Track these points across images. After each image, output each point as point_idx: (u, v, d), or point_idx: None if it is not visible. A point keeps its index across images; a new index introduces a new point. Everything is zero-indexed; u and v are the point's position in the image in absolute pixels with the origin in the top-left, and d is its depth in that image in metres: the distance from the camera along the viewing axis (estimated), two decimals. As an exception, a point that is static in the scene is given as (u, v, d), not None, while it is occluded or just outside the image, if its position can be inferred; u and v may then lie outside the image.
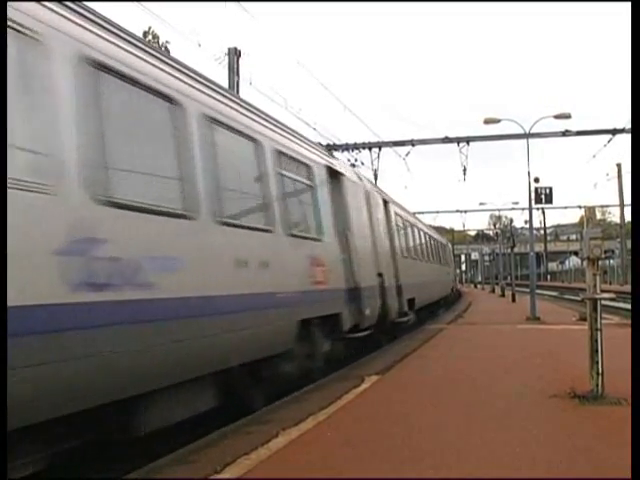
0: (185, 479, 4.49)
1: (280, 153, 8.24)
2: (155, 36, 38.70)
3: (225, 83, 17.67)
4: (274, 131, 8.40)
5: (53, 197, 4.12)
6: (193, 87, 6.32)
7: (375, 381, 8.40)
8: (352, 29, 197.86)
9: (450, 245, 37.53)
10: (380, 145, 28.06)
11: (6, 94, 3.83)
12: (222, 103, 6.94)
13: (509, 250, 40.61)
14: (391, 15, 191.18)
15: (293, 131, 9.48)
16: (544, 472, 4.38)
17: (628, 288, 35.81)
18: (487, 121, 24.25)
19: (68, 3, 4.70)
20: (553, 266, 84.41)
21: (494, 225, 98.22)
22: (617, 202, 55.53)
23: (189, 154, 5.91)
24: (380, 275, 12.59)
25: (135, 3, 15.88)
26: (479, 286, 76.02)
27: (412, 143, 27.94)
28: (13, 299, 3.54)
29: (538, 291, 26.07)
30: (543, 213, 70.65)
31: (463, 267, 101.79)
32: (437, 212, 63.80)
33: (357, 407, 6.85)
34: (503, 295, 41.68)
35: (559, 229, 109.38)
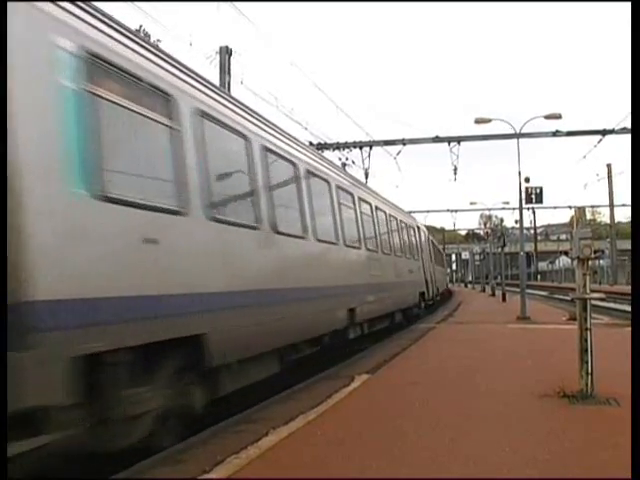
0: (176, 479, 4.45)
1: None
2: (146, 35, 38.59)
3: (216, 82, 17.62)
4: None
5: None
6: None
7: (365, 380, 8.40)
8: (345, 29, 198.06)
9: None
10: (371, 144, 28.02)
11: (6, 94, 3.80)
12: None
13: (499, 250, 40.71)
14: (384, 16, 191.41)
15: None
16: (534, 472, 4.39)
17: (617, 288, 36.07)
18: (478, 121, 24.29)
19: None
20: (543, 266, 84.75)
21: (484, 225, 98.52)
22: (607, 202, 55.84)
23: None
24: None
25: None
26: (469, 285, 76.24)
27: (403, 142, 27.92)
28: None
29: (528, 291, 26.15)
30: (533, 213, 70.73)
31: (454, 266, 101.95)
32: (428, 211, 63.76)
33: (347, 406, 6.84)
34: (493, 295, 41.77)
35: (549, 229, 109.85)
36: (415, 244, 22.00)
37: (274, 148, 8.56)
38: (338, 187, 11.68)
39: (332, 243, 10.59)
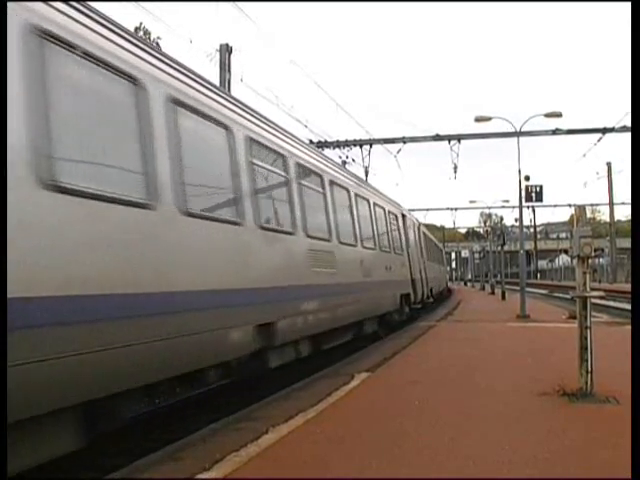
0: (169, 479, 4.45)
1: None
2: (146, 32, 38.54)
3: (216, 80, 17.62)
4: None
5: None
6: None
7: (365, 378, 8.39)
8: (346, 28, 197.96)
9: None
10: (371, 142, 28.05)
11: (6, 94, 3.78)
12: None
13: (499, 248, 40.70)
14: (385, 15, 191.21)
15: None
16: (534, 471, 4.38)
17: (617, 287, 36.07)
18: (478, 119, 24.28)
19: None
20: (543, 264, 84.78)
21: (484, 223, 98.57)
22: (607, 201, 55.87)
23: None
24: None
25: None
26: (469, 284, 76.25)
27: (403, 140, 27.96)
28: None
29: (528, 289, 26.18)
30: (533, 211, 70.88)
31: (453, 265, 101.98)
32: (427, 210, 63.94)
33: (347, 404, 6.83)
34: (493, 293, 41.79)
35: (549, 227, 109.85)
36: (398, 235, 17.91)
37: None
38: (253, 140, 7.92)
39: (230, 223, 6.88)
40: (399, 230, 18.24)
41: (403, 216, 19.64)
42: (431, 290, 24.31)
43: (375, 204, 15.14)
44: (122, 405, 5.24)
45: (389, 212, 16.98)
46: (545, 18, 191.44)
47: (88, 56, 4.85)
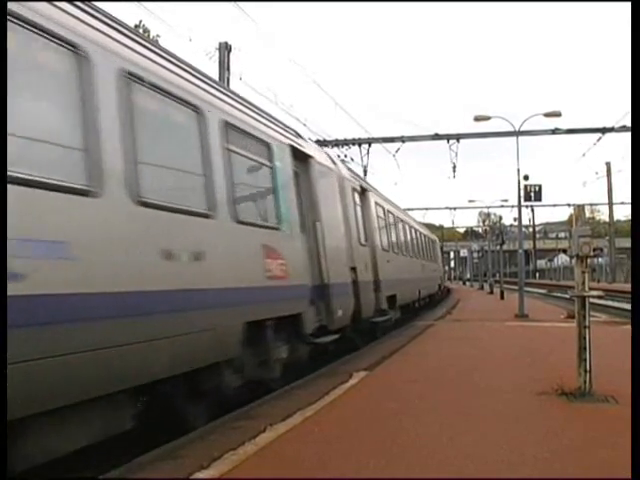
0: (165, 479, 4.43)
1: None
2: (146, 30, 38.52)
3: (215, 78, 17.60)
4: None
5: None
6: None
7: (363, 377, 8.38)
8: (345, 28, 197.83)
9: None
10: (370, 141, 28.01)
11: (6, 94, 3.76)
12: None
13: (498, 247, 40.71)
14: (384, 14, 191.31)
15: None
16: (533, 470, 4.36)
17: (616, 286, 36.10)
18: (477, 118, 24.23)
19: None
20: (542, 264, 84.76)
21: (483, 222, 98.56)
22: (606, 200, 55.90)
23: None
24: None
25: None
26: (467, 283, 76.27)
27: (402, 140, 27.92)
28: None
29: (527, 288, 26.16)
30: (532, 211, 70.82)
31: (452, 264, 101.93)
32: (426, 209, 63.82)
33: (345, 403, 6.82)
34: (491, 292, 41.80)
35: (548, 227, 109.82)
36: (271, 187, 8.26)
37: None
38: None
39: None
40: (274, 176, 8.44)
41: (299, 154, 9.65)
42: (393, 298, 15.39)
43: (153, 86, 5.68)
44: None
45: (235, 127, 7.33)
46: (545, 18, 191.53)
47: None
